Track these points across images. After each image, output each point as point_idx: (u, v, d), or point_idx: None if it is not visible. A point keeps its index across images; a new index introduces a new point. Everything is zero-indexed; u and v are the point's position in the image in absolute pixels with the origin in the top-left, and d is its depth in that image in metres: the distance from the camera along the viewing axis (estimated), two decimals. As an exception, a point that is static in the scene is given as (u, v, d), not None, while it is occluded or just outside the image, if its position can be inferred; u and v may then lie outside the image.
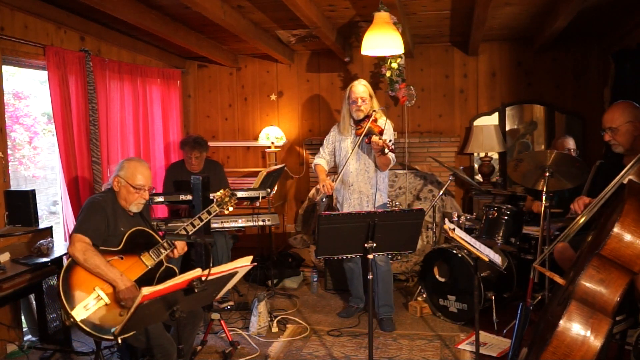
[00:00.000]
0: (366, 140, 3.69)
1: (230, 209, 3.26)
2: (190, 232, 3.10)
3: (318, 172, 4.02)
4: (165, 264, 3.00)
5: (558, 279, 2.56)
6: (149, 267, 2.90)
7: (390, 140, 3.64)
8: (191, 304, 2.51)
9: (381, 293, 3.95)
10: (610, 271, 2.29)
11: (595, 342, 2.22)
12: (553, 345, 2.26)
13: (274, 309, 4.34)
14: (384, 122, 3.79)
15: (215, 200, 3.24)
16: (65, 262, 3.44)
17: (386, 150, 3.58)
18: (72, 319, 2.61)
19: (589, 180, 3.32)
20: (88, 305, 2.65)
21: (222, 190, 3.28)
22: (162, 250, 2.96)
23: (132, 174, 2.96)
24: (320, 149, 4.13)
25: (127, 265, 2.84)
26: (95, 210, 2.89)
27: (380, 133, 3.65)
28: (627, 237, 2.28)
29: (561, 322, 2.26)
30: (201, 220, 3.16)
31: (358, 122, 3.84)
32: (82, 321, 2.61)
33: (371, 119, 3.70)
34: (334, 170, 4.16)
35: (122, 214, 3.00)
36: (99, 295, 2.69)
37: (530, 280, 3.16)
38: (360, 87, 3.84)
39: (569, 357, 2.23)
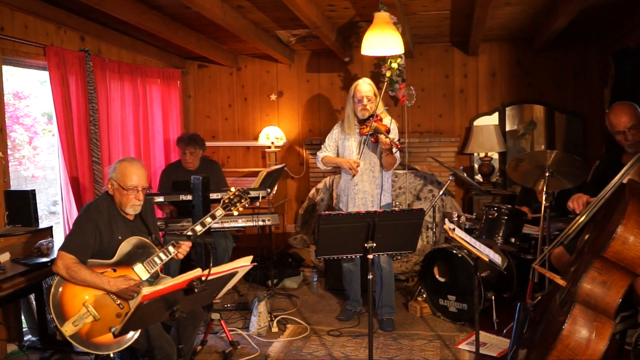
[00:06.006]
0: (372, 139, 3.68)
1: (235, 213, 3.10)
2: (193, 237, 2.89)
3: (331, 159, 3.95)
4: (161, 275, 2.86)
5: (559, 280, 2.54)
6: (143, 280, 2.76)
7: (398, 139, 3.64)
8: (191, 304, 2.50)
9: (383, 295, 3.93)
10: (612, 273, 2.29)
11: (600, 344, 2.23)
12: (557, 350, 2.26)
13: (274, 309, 4.34)
14: (390, 121, 3.76)
15: (222, 201, 3.07)
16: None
17: (394, 149, 3.57)
18: (62, 335, 2.59)
19: (589, 179, 3.29)
20: (76, 321, 2.60)
21: (233, 189, 3.09)
22: (157, 261, 2.81)
23: (123, 175, 2.80)
24: (322, 146, 4.06)
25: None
26: (86, 223, 2.78)
27: (387, 132, 3.63)
28: (630, 239, 2.27)
29: (565, 326, 2.26)
30: (203, 225, 2.99)
31: (363, 122, 3.79)
32: (71, 337, 2.58)
33: (376, 118, 3.68)
34: (332, 171, 4.14)
35: (120, 219, 2.87)
36: (87, 311, 2.63)
37: (529, 281, 3.16)
38: (366, 86, 3.78)
39: None
